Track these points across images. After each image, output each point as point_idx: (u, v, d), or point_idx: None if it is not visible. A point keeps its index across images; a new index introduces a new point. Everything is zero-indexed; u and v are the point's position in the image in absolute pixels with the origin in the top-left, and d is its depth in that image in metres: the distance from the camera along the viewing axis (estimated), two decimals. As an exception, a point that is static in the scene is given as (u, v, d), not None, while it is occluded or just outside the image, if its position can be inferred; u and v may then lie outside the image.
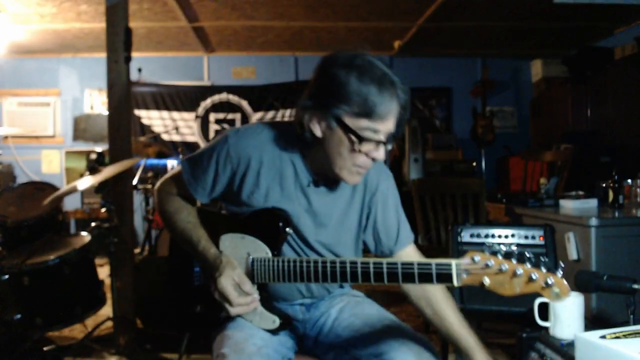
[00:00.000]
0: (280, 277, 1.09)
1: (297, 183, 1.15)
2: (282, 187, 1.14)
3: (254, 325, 1.14)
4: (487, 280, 0.86)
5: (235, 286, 1.09)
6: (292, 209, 1.15)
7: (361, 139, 1.02)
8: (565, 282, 0.83)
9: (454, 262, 0.92)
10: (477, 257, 0.87)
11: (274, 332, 1.13)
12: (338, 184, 1.18)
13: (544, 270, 0.83)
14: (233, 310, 1.10)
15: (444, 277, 0.94)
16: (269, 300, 1.16)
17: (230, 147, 1.13)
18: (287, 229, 1.13)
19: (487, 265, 0.86)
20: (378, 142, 1.04)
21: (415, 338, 1.11)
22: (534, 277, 0.83)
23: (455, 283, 0.92)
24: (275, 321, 1.12)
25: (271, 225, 1.13)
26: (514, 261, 0.85)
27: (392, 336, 1.09)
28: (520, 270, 0.83)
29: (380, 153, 1.05)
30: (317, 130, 1.06)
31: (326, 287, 1.25)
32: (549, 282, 0.82)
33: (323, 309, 1.26)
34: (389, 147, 1.06)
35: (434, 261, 0.95)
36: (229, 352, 1.04)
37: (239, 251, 1.14)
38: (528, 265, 0.84)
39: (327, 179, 1.15)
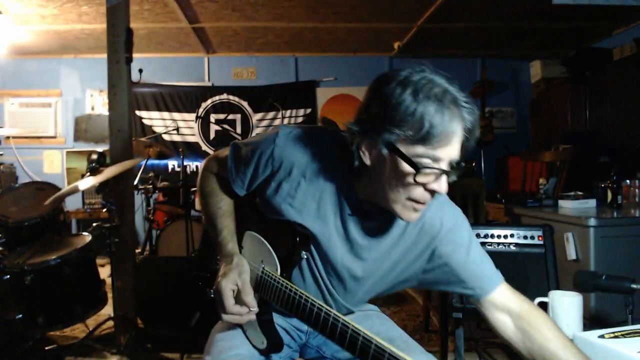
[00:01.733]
0: (280, 301, 1.00)
1: (338, 209, 1.01)
2: (319, 207, 1.01)
3: (246, 335, 1.10)
4: None
5: (234, 292, 1.04)
6: (323, 231, 1.02)
7: (418, 169, 0.84)
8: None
9: None
10: None
11: (261, 352, 1.07)
12: (390, 221, 1.02)
13: None
14: (224, 317, 1.04)
15: None
16: (269, 317, 1.08)
17: (275, 149, 1.02)
18: (303, 253, 1.03)
19: None
20: (438, 172, 0.86)
21: None
22: None
23: None
24: (263, 342, 1.05)
25: (289, 242, 1.03)
26: None
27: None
28: None
29: (442, 184, 0.87)
30: (367, 159, 0.91)
31: (343, 306, 1.12)
32: None
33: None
34: (453, 178, 0.89)
35: None
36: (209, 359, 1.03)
37: (256, 255, 1.09)
38: None
39: (377, 212, 0.98)
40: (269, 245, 1.07)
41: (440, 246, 1.03)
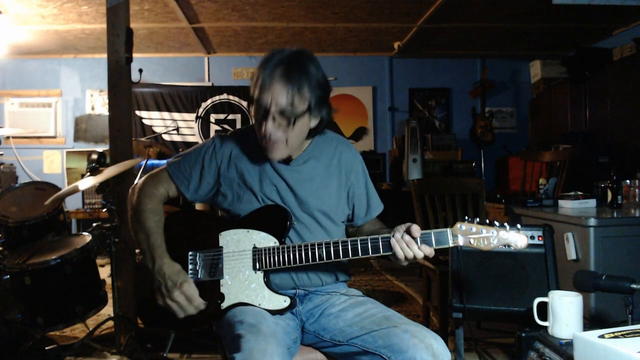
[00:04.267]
0: (286, 262, 1.21)
1: (270, 164, 1.31)
2: (258, 170, 1.31)
3: (260, 311, 1.21)
4: (472, 241, 1.14)
5: (186, 299, 1.20)
6: (270, 188, 1.30)
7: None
8: (523, 235, 1.12)
9: (448, 229, 1.15)
10: (463, 226, 1.14)
11: (282, 312, 1.23)
12: (307, 162, 1.33)
13: (507, 228, 1.12)
14: (183, 314, 1.21)
15: (441, 240, 1.15)
16: (274, 284, 1.27)
17: (216, 144, 1.35)
18: (293, 221, 1.27)
19: (470, 230, 1.14)
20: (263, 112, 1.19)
21: (423, 328, 1.13)
22: (503, 236, 1.12)
23: (450, 243, 1.14)
24: (286, 300, 1.23)
25: (277, 219, 1.26)
26: (487, 224, 1.13)
27: (401, 329, 1.11)
28: (493, 232, 1.13)
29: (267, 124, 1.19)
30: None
31: (320, 276, 1.33)
32: (515, 236, 1.12)
33: (317, 302, 1.31)
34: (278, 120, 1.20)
35: (432, 230, 1.15)
36: (245, 334, 1.08)
37: (242, 244, 1.25)
38: (497, 226, 1.13)
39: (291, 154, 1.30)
40: (257, 230, 1.26)
41: (350, 177, 1.39)
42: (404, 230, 1.16)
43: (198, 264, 1.26)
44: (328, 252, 1.19)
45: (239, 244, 1.25)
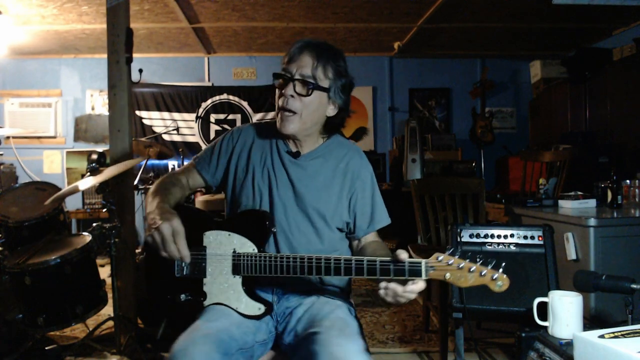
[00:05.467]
0: (264, 271, 1.20)
1: (278, 155, 1.34)
2: (265, 159, 1.34)
3: (230, 312, 1.21)
4: (448, 275, 1.06)
5: (172, 234, 1.16)
6: (273, 182, 1.31)
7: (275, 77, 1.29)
8: (505, 276, 1.06)
9: (423, 261, 1.08)
10: (441, 257, 1.07)
11: (257, 317, 1.23)
12: (314, 160, 1.34)
13: (489, 268, 1.06)
14: (163, 254, 1.16)
15: (414, 272, 1.07)
16: (253, 289, 1.26)
17: (234, 132, 1.42)
18: (273, 229, 1.27)
19: (448, 264, 1.06)
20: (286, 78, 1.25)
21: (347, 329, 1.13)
22: (483, 273, 1.06)
23: (423, 277, 1.07)
24: (260, 308, 1.23)
25: (258, 225, 1.26)
26: (468, 261, 1.06)
27: (326, 348, 1.07)
28: (473, 268, 1.06)
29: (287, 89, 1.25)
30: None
31: (302, 284, 1.32)
32: (494, 277, 1.06)
33: (292, 303, 1.31)
34: (300, 87, 1.25)
35: (407, 260, 1.08)
36: (185, 332, 1.11)
37: (223, 247, 1.25)
38: (479, 264, 1.06)
39: (302, 148, 1.33)
40: (237, 235, 1.25)
41: (355, 186, 1.37)
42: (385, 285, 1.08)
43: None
44: (309, 268, 1.14)
45: (221, 246, 1.25)
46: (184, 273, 1.27)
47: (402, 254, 1.07)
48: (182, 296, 1.27)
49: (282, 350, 1.29)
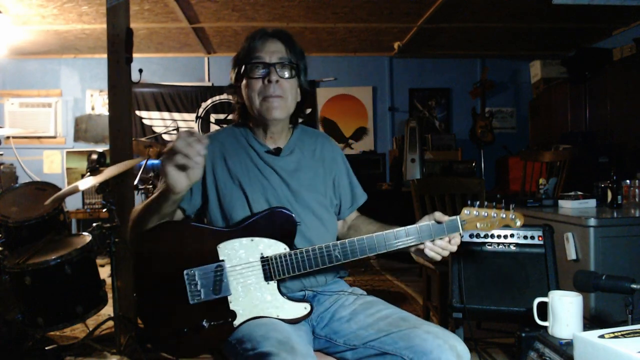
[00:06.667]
0: (299, 268, 1.15)
1: (259, 157, 1.29)
2: (246, 164, 1.28)
3: (275, 322, 1.13)
4: (479, 225, 1.20)
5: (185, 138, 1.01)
6: (266, 184, 1.27)
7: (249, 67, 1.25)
8: (519, 213, 1.21)
9: (457, 218, 1.19)
10: (468, 211, 1.20)
11: (299, 320, 1.17)
12: (293, 153, 1.32)
13: (506, 209, 1.20)
14: (189, 155, 0.99)
15: (453, 228, 1.18)
16: (286, 292, 1.20)
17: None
18: (298, 223, 1.19)
19: (475, 216, 1.20)
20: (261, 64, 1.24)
21: (444, 329, 1.12)
22: (503, 216, 1.20)
23: (461, 231, 1.19)
24: (306, 307, 1.18)
25: (281, 223, 1.17)
26: (492, 208, 1.20)
27: (422, 330, 1.09)
28: (495, 214, 1.20)
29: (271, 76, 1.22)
30: (241, 94, 1.28)
31: (324, 275, 1.30)
32: (512, 216, 1.21)
33: (326, 305, 1.27)
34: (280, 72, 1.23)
35: (445, 219, 1.18)
36: (277, 352, 0.97)
37: (247, 255, 1.15)
38: (500, 209, 1.21)
39: (277, 144, 1.31)
40: (261, 238, 1.16)
41: (334, 169, 1.39)
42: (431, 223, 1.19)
43: (198, 283, 1.12)
44: (345, 253, 1.15)
45: (244, 255, 1.14)
46: (202, 298, 1.11)
47: (441, 216, 1.18)
48: (205, 324, 1.11)
49: (332, 353, 1.21)
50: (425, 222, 1.19)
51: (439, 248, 1.19)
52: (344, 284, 1.37)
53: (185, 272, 1.12)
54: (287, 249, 1.16)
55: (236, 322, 1.13)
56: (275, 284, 1.16)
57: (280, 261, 1.15)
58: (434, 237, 1.18)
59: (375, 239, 1.16)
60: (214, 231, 1.17)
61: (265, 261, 1.15)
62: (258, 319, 1.14)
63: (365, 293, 1.33)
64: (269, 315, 1.15)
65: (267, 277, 1.15)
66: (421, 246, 1.20)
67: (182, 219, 1.26)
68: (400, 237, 1.18)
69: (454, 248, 1.20)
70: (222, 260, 1.13)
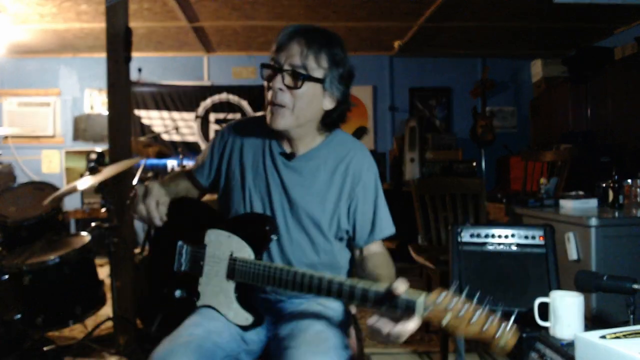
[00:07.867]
0: (257, 280, 1.12)
1: (271, 157, 1.24)
2: (257, 161, 1.25)
3: (216, 316, 1.15)
4: (445, 320, 0.88)
5: (143, 194, 1.18)
6: (266, 187, 1.24)
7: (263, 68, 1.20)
8: (512, 335, 0.86)
9: (420, 298, 0.91)
10: (442, 296, 0.89)
11: (246, 328, 1.16)
12: (311, 162, 1.23)
13: (492, 322, 0.86)
14: (136, 211, 1.18)
15: (409, 310, 0.91)
16: (245, 297, 1.18)
17: (224, 133, 1.33)
18: (273, 236, 1.18)
19: (448, 308, 0.88)
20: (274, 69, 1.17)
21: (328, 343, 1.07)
22: (485, 328, 0.86)
23: (417, 316, 0.91)
24: (248, 319, 1.16)
25: (259, 230, 1.18)
26: (472, 306, 0.88)
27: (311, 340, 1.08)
28: (474, 319, 0.87)
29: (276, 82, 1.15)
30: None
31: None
32: (497, 335, 0.86)
33: (285, 314, 1.23)
34: (290, 79, 1.14)
35: (404, 294, 0.92)
36: (165, 340, 1.08)
37: (222, 248, 1.19)
38: (483, 314, 0.87)
39: (297, 148, 1.23)
40: (237, 237, 1.19)
41: (355, 192, 1.25)
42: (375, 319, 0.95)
43: (183, 255, 1.23)
44: (309, 285, 1.04)
45: (220, 247, 1.19)
46: (182, 268, 1.23)
47: (401, 287, 0.92)
48: (178, 292, 1.22)
49: None
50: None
51: (378, 328, 0.94)
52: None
53: (179, 243, 1.24)
54: (252, 256, 1.15)
55: (199, 303, 1.20)
56: (234, 285, 1.16)
57: (242, 265, 1.14)
58: (383, 310, 0.94)
59: (334, 285, 1.01)
60: (212, 216, 1.27)
61: (232, 260, 1.16)
62: (210, 309, 1.18)
63: (339, 308, 1.24)
64: (220, 310, 1.17)
65: (229, 275, 1.17)
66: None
67: (198, 193, 1.40)
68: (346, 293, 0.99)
69: (400, 339, 0.92)
70: (205, 245, 1.21)
